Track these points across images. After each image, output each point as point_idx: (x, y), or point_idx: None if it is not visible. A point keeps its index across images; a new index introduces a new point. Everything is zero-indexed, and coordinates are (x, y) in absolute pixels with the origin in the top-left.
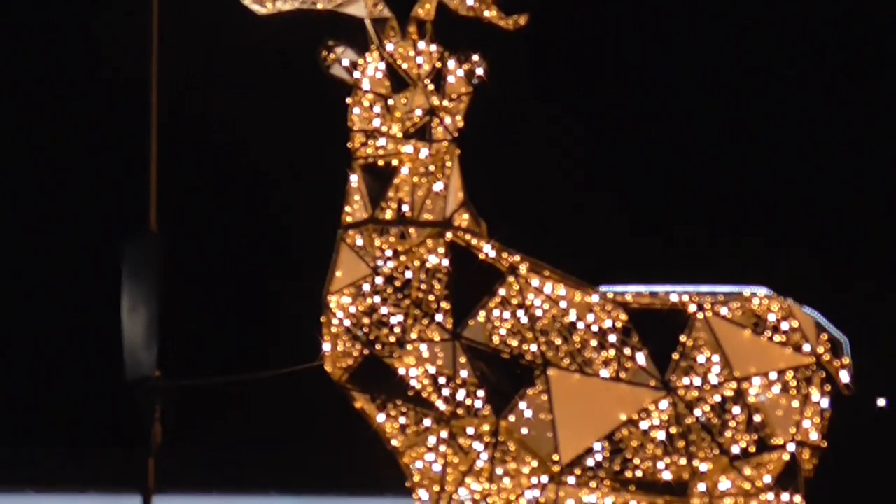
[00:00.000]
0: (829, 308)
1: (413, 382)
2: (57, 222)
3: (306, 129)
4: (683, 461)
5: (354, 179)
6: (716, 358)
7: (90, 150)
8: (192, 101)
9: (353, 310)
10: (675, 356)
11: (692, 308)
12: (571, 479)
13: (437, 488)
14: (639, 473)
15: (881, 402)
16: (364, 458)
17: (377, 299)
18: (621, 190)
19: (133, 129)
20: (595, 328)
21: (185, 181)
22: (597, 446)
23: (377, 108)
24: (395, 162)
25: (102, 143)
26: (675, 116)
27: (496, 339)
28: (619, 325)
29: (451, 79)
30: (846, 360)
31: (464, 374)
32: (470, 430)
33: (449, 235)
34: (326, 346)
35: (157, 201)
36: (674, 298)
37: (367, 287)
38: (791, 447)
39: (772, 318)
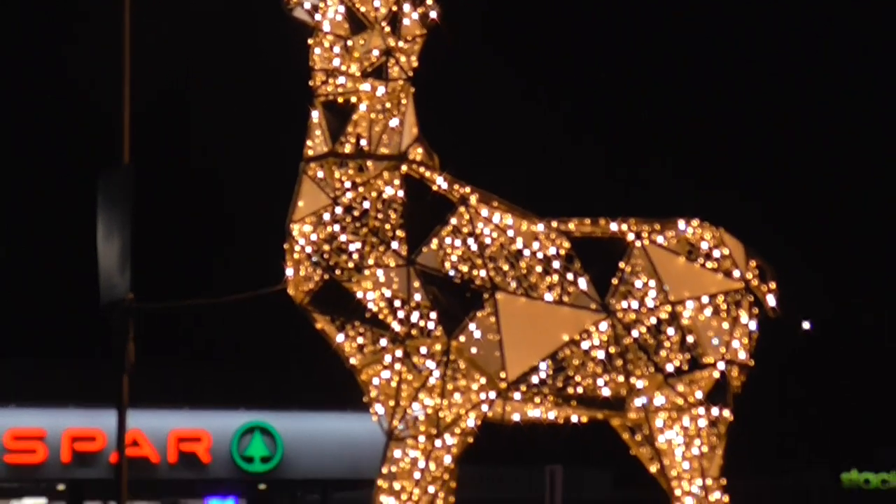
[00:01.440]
0: (757, 238)
1: (370, 305)
2: (39, 156)
3: (267, 73)
4: (621, 378)
5: (315, 115)
6: (652, 283)
7: (71, 93)
8: (161, 47)
9: (314, 237)
10: (615, 281)
11: (630, 236)
12: (517, 395)
13: (392, 403)
14: (580, 390)
15: (806, 325)
16: (324, 376)
17: (337, 227)
18: (568, 127)
19: (110, 74)
20: (540, 255)
21: (157, 119)
22: (541, 365)
23: (337, 49)
24: (353, 99)
25: (82, 87)
26: (619, 59)
27: (448, 265)
28: (562, 252)
29: (406, 21)
30: (773, 286)
31: (417, 297)
32: (423, 350)
33: (404, 168)
34: (289, 272)
35: (130, 137)
36: (613, 227)
37: (327, 216)
38: (721, 365)
39: (704, 245)
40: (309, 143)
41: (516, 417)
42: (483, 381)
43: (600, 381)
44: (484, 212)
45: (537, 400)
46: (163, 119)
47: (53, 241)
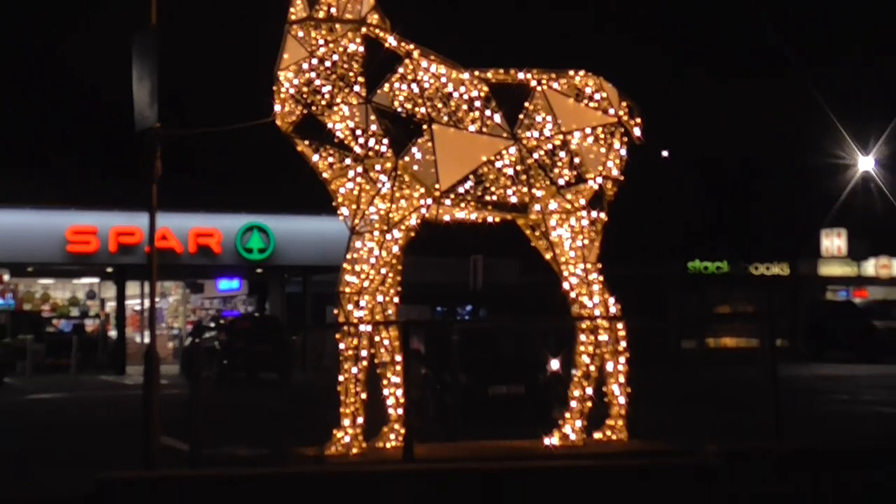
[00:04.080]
0: (627, 83)
1: (338, 133)
2: (92, 20)
3: None
4: (525, 189)
5: None
6: (549, 118)
7: None
8: None
9: (295, 81)
10: (521, 116)
11: (533, 83)
12: (448, 201)
13: (354, 207)
14: (494, 197)
15: (664, 153)
16: (304, 187)
17: (313, 74)
18: (479, 9)
19: None
20: (465, 96)
21: None
22: (466, 178)
23: None
24: None
25: None
26: None
27: (396, 104)
28: (482, 94)
29: None
30: (639, 121)
31: (373, 127)
32: (377, 167)
33: (364, 30)
34: (277, 108)
35: (158, 5)
36: (521, 76)
37: (305, 66)
38: (599, 180)
39: (588, 90)
40: (292, 9)
41: (447, 218)
42: (422, 190)
43: (509, 191)
44: (423, 63)
45: (462, 205)
46: None
47: (99, 85)
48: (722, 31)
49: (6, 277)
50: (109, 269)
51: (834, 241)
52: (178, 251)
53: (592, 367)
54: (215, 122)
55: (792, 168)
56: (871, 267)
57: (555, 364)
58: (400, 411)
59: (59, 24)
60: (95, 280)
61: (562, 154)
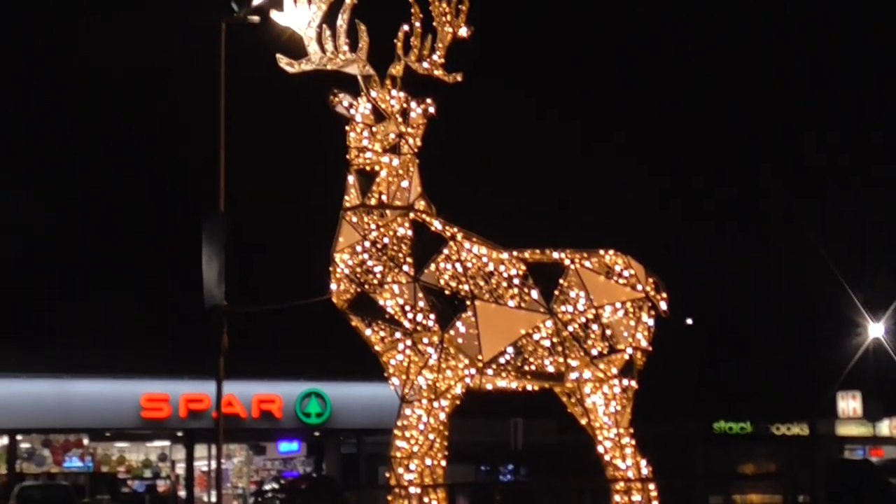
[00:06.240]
0: (653, 261)
1: (388, 309)
2: (167, 209)
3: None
4: (561, 359)
5: (351, 179)
6: (582, 294)
7: (184, 163)
8: (244, 127)
9: (350, 263)
10: (556, 292)
11: (567, 262)
12: (490, 371)
13: (404, 377)
14: (533, 367)
15: (688, 321)
16: (359, 358)
17: (365, 256)
18: (516, 195)
19: (210, 148)
20: (505, 274)
21: (246, 181)
22: (507, 350)
23: (365, 133)
24: (377, 168)
25: (191, 158)
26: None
27: (442, 282)
28: (520, 272)
29: (413, 114)
30: (664, 295)
31: (421, 304)
32: (425, 340)
33: (412, 215)
34: (333, 286)
35: (226, 194)
36: (555, 255)
37: (359, 248)
38: (629, 351)
39: (618, 268)
40: (346, 198)
41: (489, 387)
42: (466, 361)
43: (547, 362)
44: (466, 245)
45: (504, 374)
46: (249, 180)
47: (169, 266)
48: (734, 195)
49: (85, 441)
50: (180, 434)
51: (849, 403)
52: (243, 416)
53: None
54: (277, 300)
55: (807, 332)
56: (885, 427)
57: None
58: None
59: (133, 210)
60: (167, 443)
61: (594, 327)
